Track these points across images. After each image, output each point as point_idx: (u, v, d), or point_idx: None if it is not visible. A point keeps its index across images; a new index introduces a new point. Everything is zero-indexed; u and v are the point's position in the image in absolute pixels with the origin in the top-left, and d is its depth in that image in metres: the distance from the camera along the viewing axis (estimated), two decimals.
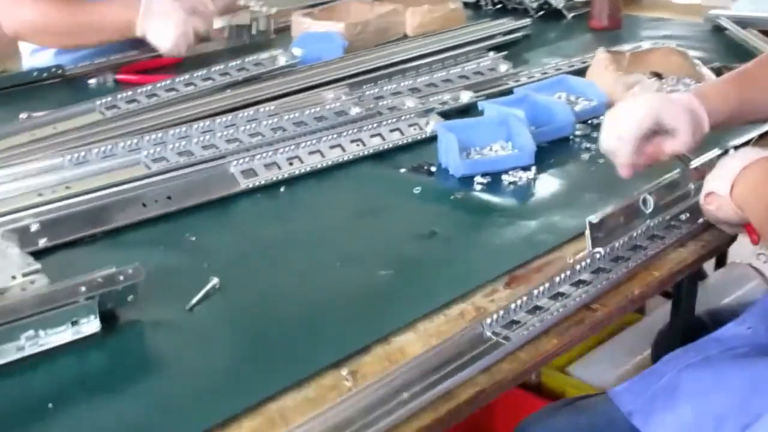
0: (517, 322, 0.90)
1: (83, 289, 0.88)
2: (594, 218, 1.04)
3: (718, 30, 1.96)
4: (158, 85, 1.55)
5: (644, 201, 1.12)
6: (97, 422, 0.78)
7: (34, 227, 1.09)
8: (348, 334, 0.90)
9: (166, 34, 1.70)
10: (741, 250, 1.51)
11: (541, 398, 1.91)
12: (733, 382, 1.01)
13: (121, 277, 0.91)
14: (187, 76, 1.59)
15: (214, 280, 0.99)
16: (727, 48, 1.87)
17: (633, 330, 2.10)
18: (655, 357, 1.47)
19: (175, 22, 1.70)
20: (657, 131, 1.09)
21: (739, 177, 1.03)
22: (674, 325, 1.42)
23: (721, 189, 1.04)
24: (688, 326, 1.44)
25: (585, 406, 1.15)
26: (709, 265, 2.22)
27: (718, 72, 1.68)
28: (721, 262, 2.09)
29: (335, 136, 1.36)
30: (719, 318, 1.35)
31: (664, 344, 1.45)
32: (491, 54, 1.79)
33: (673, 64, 1.66)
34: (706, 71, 1.59)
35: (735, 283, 1.90)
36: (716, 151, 1.19)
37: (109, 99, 1.50)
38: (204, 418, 0.77)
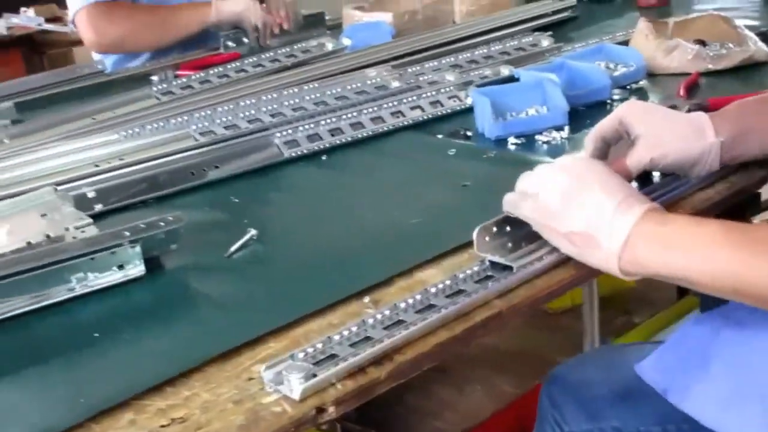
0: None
1: (127, 233, 0.95)
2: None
3: None
4: (211, 71, 1.64)
5: None
6: (139, 345, 0.85)
7: (90, 194, 1.17)
8: (374, 269, 0.94)
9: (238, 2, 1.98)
10: None
11: None
12: None
13: (162, 223, 0.97)
14: (238, 63, 1.67)
15: (252, 232, 1.05)
16: None
17: None
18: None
19: None
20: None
21: (637, 237, 0.81)
22: None
23: (605, 243, 0.83)
24: None
25: (620, 363, 1.08)
26: None
27: (764, 36, 1.67)
28: None
29: (375, 108, 1.41)
30: None
31: None
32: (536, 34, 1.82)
33: (717, 31, 1.65)
34: (750, 34, 1.58)
35: None
36: None
37: (165, 86, 1.59)
38: (237, 336, 0.82)
